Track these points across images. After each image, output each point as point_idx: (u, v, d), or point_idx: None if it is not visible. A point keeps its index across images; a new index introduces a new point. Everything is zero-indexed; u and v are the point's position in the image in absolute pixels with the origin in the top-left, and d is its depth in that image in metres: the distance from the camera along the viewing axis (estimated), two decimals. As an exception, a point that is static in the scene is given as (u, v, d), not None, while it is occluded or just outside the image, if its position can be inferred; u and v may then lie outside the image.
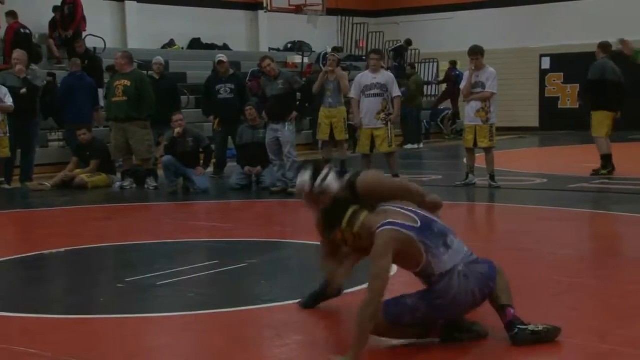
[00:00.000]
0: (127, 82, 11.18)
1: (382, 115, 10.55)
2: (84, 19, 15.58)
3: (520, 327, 4.05)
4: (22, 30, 14.13)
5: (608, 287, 5.55)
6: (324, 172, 4.04)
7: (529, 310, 4.28)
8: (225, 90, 12.43)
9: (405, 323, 4.09)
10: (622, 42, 5.54)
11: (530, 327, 4.05)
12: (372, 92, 10.58)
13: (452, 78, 20.09)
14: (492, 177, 10.44)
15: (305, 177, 4.08)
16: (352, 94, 10.85)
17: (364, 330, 3.85)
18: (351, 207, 4.02)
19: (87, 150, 11.85)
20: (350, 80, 11.74)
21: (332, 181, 3.99)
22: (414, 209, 4.13)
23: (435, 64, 21.76)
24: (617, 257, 6.79)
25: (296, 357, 4.31)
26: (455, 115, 20.08)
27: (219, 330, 4.81)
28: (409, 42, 20.92)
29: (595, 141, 11.45)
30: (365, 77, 10.78)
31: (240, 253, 6.89)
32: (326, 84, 11.66)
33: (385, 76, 10.77)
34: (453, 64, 20.49)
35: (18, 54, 11.97)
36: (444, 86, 21.26)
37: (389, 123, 10.64)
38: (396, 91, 10.70)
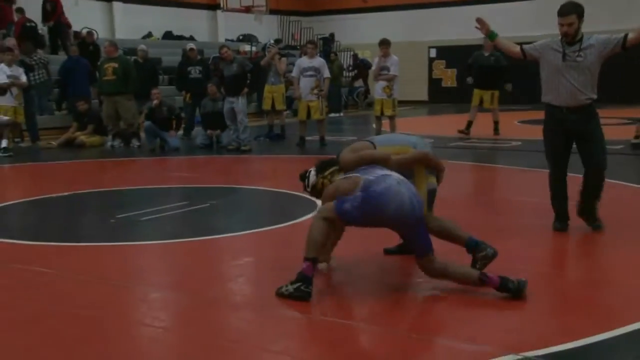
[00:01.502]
0: (116, 65, 11.01)
1: (315, 91, 10.56)
2: (63, 13, 14.64)
3: (514, 280, 3.57)
4: (27, 24, 13.44)
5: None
6: (308, 176, 4.07)
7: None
8: (195, 72, 12.27)
9: (350, 220, 3.65)
10: (479, 21, 4.99)
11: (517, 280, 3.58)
12: (308, 73, 10.57)
13: (359, 64, 20.34)
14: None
15: (304, 186, 4.14)
16: (294, 73, 10.86)
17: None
18: (333, 166, 3.99)
19: (85, 117, 11.54)
20: (291, 64, 11.62)
21: (313, 179, 4.04)
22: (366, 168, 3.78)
23: (352, 53, 21.73)
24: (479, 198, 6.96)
25: (246, 272, 4.33)
26: (367, 92, 20.16)
27: (189, 254, 4.79)
28: (330, 37, 20.95)
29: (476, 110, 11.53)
30: (303, 61, 10.77)
31: (205, 196, 6.83)
32: (270, 67, 11.57)
33: (319, 61, 10.76)
34: (355, 56, 20.75)
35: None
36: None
37: (320, 97, 10.64)
38: (326, 73, 10.71)
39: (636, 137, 9.62)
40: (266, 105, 11.78)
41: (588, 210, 4.96)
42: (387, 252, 4.44)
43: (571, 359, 2.88)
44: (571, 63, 4.75)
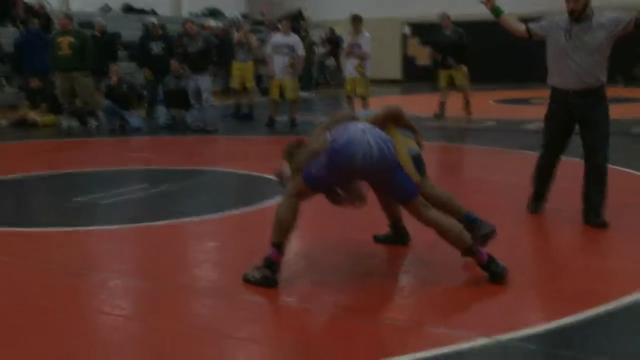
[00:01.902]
0: (71, 39, 10.77)
1: (289, 69, 10.51)
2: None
3: (499, 264, 3.60)
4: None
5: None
6: (282, 171, 3.85)
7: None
8: (157, 47, 12.11)
9: (321, 188, 3.64)
10: None
11: (501, 265, 3.62)
12: (282, 50, 10.51)
13: (333, 40, 20.28)
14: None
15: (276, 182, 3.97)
16: (267, 50, 10.75)
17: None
18: (299, 147, 3.79)
19: (38, 94, 11.33)
20: (259, 40, 11.58)
21: (287, 171, 3.80)
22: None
23: (327, 28, 21.66)
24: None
25: (212, 258, 4.33)
26: (339, 70, 20.14)
27: (151, 238, 4.78)
28: (298, 13, 20.83)
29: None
30: (277, 38, 10.70)
31: (168, 178, 6.80)
32: (240, 44, 11.48)
33: (293, 38, 10.71)
34: (332, 30, 20.65)
35: None
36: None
37: (295, 76, 10.60)
38: (301, 51, 10.67)
39: None
40: (234, 84, 11.70)
41: (589, 204, 4.73)
42: (377, 240, 4.39)
43: (543, 341, 2.95)
44: (578, 43, 4.58)
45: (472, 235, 3.86)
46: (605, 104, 4.73)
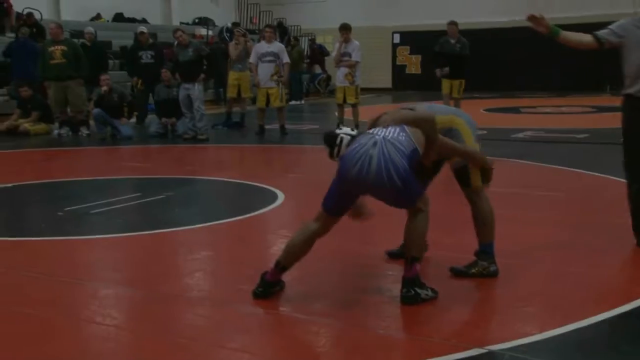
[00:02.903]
0: (64, 47, 10.78)
1: (275, 77, 10.51)
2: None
3: (417, 290, 3.45)
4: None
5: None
6: (340, 143, 3.57)
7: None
8: (146, 56, 12.12)
9: (333, 206, 3.52)
10: (532, 19, 4.18)
11: (422, 295, 3.46)
12: (267, 58, 10.53)
13: (316, 50, 20.45)
14: (356, 126, 10.55)
15: (328, 152, 3.65)
16: (251, 59, 10.76)
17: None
18: None
19: (29, 103, 11.26)
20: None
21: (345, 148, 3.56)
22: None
23: (310, 38, 21.72)
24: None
25: (204, 267, 4.29)
26: (329, 78, 20.19)
27: (142, 248, 4.74)
28: (279, 24, 20.87)
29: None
30: (261, 47, 10.69)
31: (159, 187, 6.76)
32: (240, 55, 11.45)
33: (277, 46, 10.72)
34: (312, 40, 20.70)
35: None
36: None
37: (280, 84, 10.60)
38: (285, 58, 10.67)
39: None
40: (231, 93, 11.68)
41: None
42: (391, 255, 4.20)
43: (537, 351, 2.94)
44: None
45: (477, 260, 3.80)
46: None
